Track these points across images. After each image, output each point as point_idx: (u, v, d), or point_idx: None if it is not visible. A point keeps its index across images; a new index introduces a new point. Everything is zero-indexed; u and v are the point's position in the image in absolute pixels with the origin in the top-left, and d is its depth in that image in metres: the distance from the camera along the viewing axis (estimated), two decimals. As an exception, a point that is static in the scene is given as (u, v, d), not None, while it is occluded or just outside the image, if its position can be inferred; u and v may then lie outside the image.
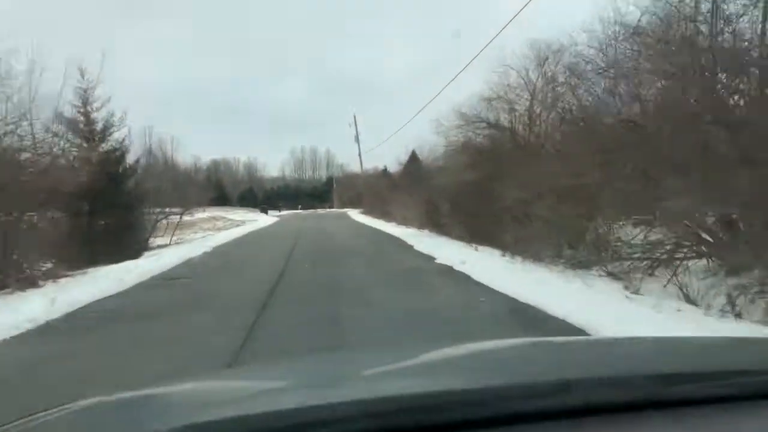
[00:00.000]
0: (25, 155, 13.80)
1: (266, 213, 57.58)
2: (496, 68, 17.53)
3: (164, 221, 27.86)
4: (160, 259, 16.47)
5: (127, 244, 18.45)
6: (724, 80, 9.05)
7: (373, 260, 14.96)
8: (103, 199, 18.36)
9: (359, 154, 62.20)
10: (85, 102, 18.65)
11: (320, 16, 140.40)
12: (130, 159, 20.44)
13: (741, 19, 9.43)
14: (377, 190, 45.80)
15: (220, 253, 18.68)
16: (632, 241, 10.23)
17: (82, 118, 18.62)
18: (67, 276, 12.50)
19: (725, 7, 9.59)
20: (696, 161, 8.32)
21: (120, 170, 19.31)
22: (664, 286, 8.99)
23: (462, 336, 6.34)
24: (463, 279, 11.11)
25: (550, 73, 16.83)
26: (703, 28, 9.91)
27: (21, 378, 5.61)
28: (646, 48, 10.50)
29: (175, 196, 34.10)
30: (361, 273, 12.57)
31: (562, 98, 15.94)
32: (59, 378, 5.36)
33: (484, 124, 17.35)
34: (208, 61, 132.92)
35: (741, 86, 8.91)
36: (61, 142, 16.35)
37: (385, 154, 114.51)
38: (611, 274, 10.01)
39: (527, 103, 16.79)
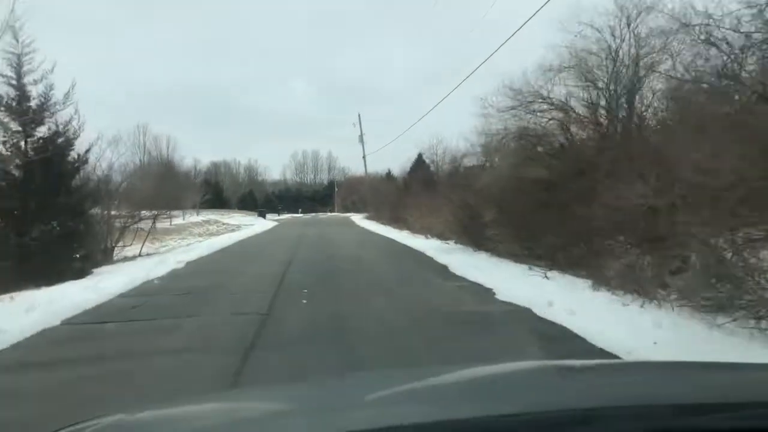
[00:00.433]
0: None
1: (264, 217, 52.51)
2: (566, 30, 12.64)
3: (143, 226, 23.56)
4: (102, 281, 11.67)
5: (66, 258, 13.64)
6: None
7: (400, 293, 10.02)
8: (39, 199, 13.61)
9: (363, 156, 57.56)
10: (19, 72, 13.86)
11: (323, 20, 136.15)
12: (91, 148, 15.66)
13: None
14: (386, 195, 41.12)
15: (189, 273, 13.80)
16: None
17: (13, 93, 13.82)
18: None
19: None
20: None
21: (63, 161, 14.43)
22: None
23: None
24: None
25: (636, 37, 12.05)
26: None
27: None
28: None
29: (156, 197, 29.40)
30: (388, 323, 7.52)
31: (657, 67, 11.23)
32: None
33: (546, 104, 12.55)
34: (210, 63, 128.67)
35: None
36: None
37: (387, 160, 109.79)
38: None
39: (607, 75, 11.97)
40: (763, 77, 7.80)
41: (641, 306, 7.64)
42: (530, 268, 11.71)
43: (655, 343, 5.87)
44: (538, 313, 7.72)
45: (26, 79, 13.94)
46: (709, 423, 1.08)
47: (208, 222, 47.01)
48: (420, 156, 70.59)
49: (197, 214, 50.66)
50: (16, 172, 13.87)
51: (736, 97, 8.83)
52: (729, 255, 6.78)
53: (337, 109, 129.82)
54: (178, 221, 46.45)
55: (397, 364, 5.44)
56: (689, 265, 7.27)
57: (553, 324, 7.10)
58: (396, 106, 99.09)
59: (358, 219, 48.21)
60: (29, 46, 13.76)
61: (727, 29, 8.66)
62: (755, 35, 8.55)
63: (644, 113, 11.07)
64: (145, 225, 23.04)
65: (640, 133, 10.35)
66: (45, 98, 14.02)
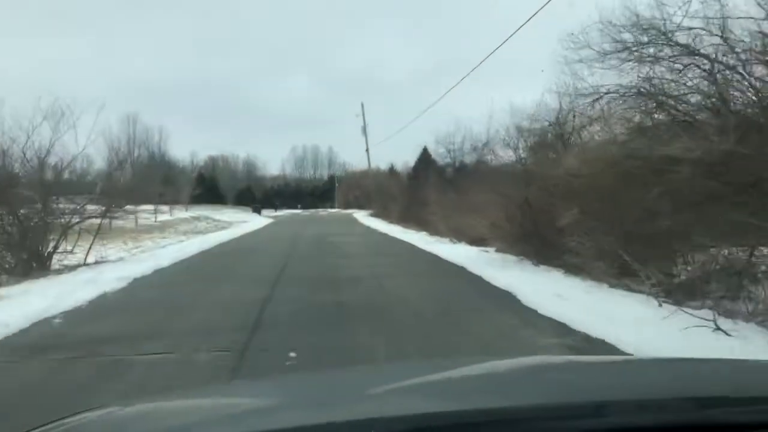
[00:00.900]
0: None
1: (259, 213, 47.47)
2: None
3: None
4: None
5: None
6: None
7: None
8: None
9: (366, 149, 52.62)
10: None
11: (325, 12, 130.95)
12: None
13: None
14: (394, 190, 36.33)
15: (108, 309, 8.67)
16: None
17: None
18: None
19: None
20: None
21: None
22: None
23: None
24: None
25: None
26: None
27: None
28: None
29: (131, 191, 24.52)
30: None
31: None
32: None
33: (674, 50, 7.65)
34: (210, 57, 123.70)
35: None
36: None
37: (389, 155, 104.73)
38: None
39: None
40: None
41: None
42: (660, 304, 6.92)
43: None
44: None
45: None
46: (724, 416, 1.04)
47: (197, 218, 42.18)
48: (425, 150, 66.04)
49: (186, 210, 45.85)
50: None
51: None
52: None
53: (338, 103, 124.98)
54: (164, 218, 41.67)
55: None
56: None
57: None
58: (399, 102, 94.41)
59: (362, 216, 43.30)
60: None
61: None
62: None
63: None
64: (128, 220, 18.38)
65: None
66: None
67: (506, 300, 8.27)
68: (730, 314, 6.13)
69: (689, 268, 7.04)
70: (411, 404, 1.16)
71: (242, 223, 39.92)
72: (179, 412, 1.33)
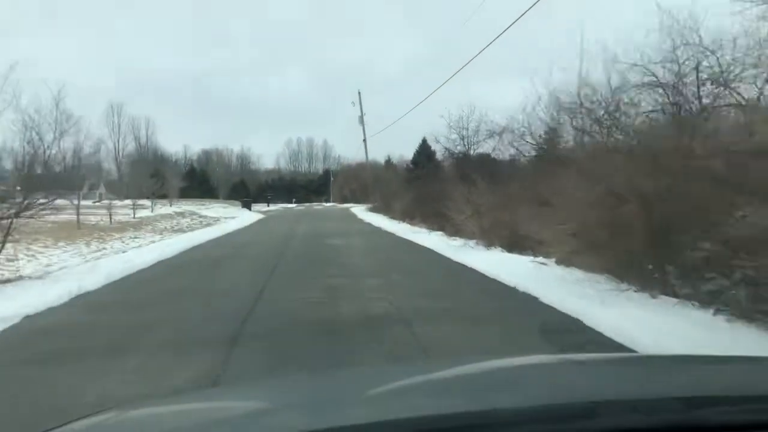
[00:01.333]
0: None
1: (249, 208, 43.09)
2: None
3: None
4: None
5: None
6: None
7: None
8: None
9: (364, 139, 48.31)
10: None
11: (320, 6, 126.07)
12: None
13: None
14: (397, 183, 32.16)
15: None
16: None
17: None
18: None
19: None
20: None
21: None
22: None
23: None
24: None
25: None
26: None
27: None
28: None
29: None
30: None
31: None
32: None
33: None
34: (204, 50, 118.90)
35: None
36: None
37: (383, 150, 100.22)
38: None
39: None
40: None
41: None
42: None
43: None
44: None
45: None
46: (718, 417, 1.03)
47: (181, 214, 37.81)
48: (424, 141, 61.82)
49: (171, 205, 41.51)
50: None
51: None
52: None
53: (334, 97, 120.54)
54: (144, 213, 37.35)
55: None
56: None
57: None
58: (395, 95, 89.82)
59: (361, 211, 38.99)
60: None
61: None
62: None
63: None
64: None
65: None
66: None
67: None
68: None
69: None
70: (405, 407, 1.13)
71: (229, 219, 35.66)
72: (172, 418, 1.27)
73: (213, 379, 4.31)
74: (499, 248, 12.37)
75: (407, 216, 26.51)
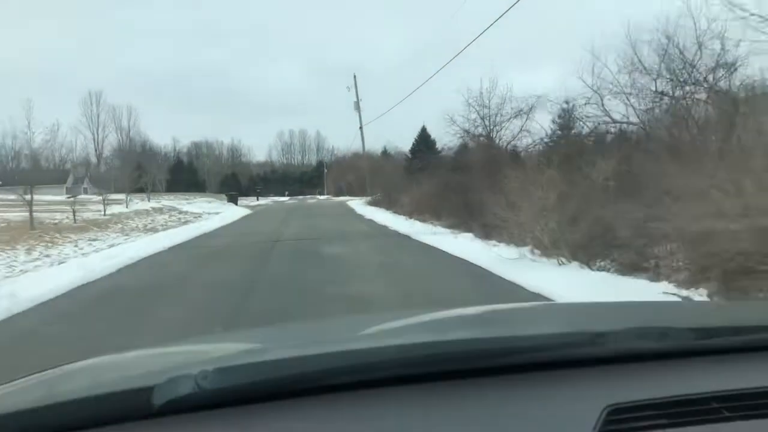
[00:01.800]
0: None
1: (235, 203, 38.35)
2: None
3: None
4: None
5: None
6: None
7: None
8: None
9: (360, 127, 43.71)
10: None
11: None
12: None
13: None
14: (399, 175, 27.75)
15: None
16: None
17: None
18: None
19: None
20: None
21: None
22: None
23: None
24: None
25: None
26: None
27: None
28: None
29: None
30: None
31: None
32: None
33: None
34: (194, 42, 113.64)
35: None
36: None
37: (377, 143, 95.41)
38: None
39: None
40: None
41: None
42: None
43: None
44: None
45: None
46: (723, 343, 1.08)
47: (159, 210, 33.27)
48: (424, 129, 57.37)
49: (149, 200, 36.95)
50: None
51: None
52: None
53: (326, 88, 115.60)
54: (118, 209, 32.83)
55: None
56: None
57: None
58: (388, 87, 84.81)
59: (359, 205, 34.45)
60: None
61: None
62: None
63: None
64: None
65: None
66: None
67: None
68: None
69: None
70: (413, 338, 1.12)
71: (213, 215, 31.19)
72: (160, 357, 1.27)
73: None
74: (587, 264, 8.07)
75: (416, 212, 22.20)
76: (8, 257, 13.55)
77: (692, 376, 0.99)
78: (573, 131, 19.14)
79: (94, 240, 18.81)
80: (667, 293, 6.10)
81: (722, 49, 10.32)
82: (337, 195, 54.50)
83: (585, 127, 12.84)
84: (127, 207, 33.21)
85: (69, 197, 44.70)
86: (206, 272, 9.77)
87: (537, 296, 6.53)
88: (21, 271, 11.24)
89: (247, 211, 33.01)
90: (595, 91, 11.68)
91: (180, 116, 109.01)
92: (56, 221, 26.02)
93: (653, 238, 6.58)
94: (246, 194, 63.82)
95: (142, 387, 0.90)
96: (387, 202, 30.12)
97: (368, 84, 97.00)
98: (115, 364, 1.23)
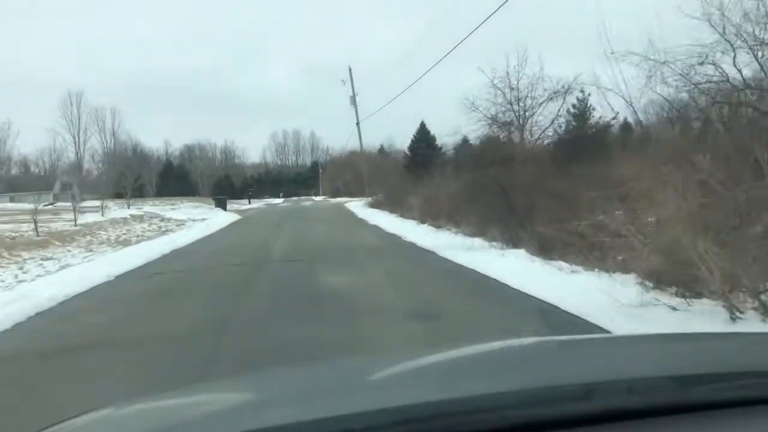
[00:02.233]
0: None
1: (224, 207, 34.45)
2: None
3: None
4: None
5: None
6: None
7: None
8: None
9: (357, 123, 39.86)
10: None
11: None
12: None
13: None
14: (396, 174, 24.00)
15: None
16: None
17: None
18: None
19: None
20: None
21: None
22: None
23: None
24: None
25: None
26: None
27: None
28: None
29: None
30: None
31: None
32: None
33: None
34: (185, 44, 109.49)
35: None
36: None
37: (371, 142, 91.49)
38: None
39: None
40: None
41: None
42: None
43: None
44: None
45: None
46: (712, 394, 1.00)
47: (139, 218, 29.36)
48: (423, 126, 53.62)
49: (128, 207, 33.05)
50: None
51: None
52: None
53: (319, 87, 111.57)
54: (92, 218, 28.98)
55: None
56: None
57: None
58: (383, 87, 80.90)
59: (358, 208, 30.62)
60: None
61: None
62: None
63: None
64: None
65: None
66: None
67: None
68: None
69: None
70: (394, 395, 1.07)
71: (198, 222, 27.41)
72: (164, 412, 1.21)
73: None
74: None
75: (429, 216, 18.52)
76: None
77: None
78: (589, 121, 15.75)
79: (48, 259, 14.99)
80: None
81: None
82: (334, 196, 50.63)
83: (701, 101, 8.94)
84: (102, 215, 29.34)
85: (47, 204, 41.02)
86: (139, 332, 6.01)
87: None
88: None
89: (235, 217, 29.16)
90: (726, 39, 7.84)
91: (172, 119, 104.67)
92: (16, 234, 22.20)
93: None
94: (240, 196, 59.95)
95: None
96: (390, 203, 26.40)
97: (361, 84, 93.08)
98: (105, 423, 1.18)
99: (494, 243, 10.79)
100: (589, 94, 14.51)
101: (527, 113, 15.43)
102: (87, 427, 1.14)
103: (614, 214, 6.52)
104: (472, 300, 6.85)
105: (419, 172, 29.59)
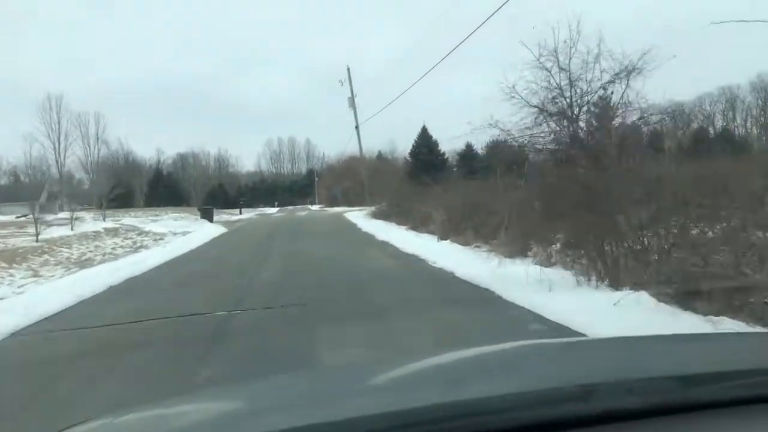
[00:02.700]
0: None
1: (210, 219, 30.32)
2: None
3: None
4: None
5: None
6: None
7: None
8: None
9: (356, 126, 36.00)
10: None
11: (297, 4, 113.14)
12: None
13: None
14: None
15: None
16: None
17: None
18: None
19: None
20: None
21: None
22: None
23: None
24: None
25: None
26: None
27: None
28: None
29: None
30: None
31: None
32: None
33: None
34: (177, 51, 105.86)
35: None
36: None
37: (368, 147, 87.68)
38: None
39: None
40: None
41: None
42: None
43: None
44: None
45: None
46: (712, 393, 0.97)
47: (114, 231, 25.43)
48: (425, 129, 49.92)
49: (104, 219, 29.04)
50: None
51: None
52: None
53: (314, 95, 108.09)
54: (59, 232, 25.10)
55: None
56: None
57: None
58: (379, 94, 77.44)
59: (360, 219, 26.77)
60: None
61: None
62: None
63: None
64: None
65: None
66: None
67: None
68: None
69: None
70: (398, 399, 1.03)
71: (178, 236, 23.57)
72: (162, 420, 1.16)
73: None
74: None
75: (452, 230, 14.78)
76: None
77: None
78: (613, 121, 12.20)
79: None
80: None
81: None
82: (331, 205, 46.72)
83: None
84: (72, 229, 25.40)
85: (19, 216, 37.19)
86: None
87: None
88: None
89: (220, 230, 25.23)
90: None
91: (165, 127, 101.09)
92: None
93: None
94: (234, 205, 56.12)
95: None
96: (397, 214, 22.66)
97: (358, 91, 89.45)
98: None
99: (573, 273, 7.02)
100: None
101: (584, 98, 11.70)
102: None
103: None
104: None
105: (422, 179, 25.93)
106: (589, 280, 6.79)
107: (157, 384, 4.22)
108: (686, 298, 5.60)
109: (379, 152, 57.41)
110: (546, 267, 8.17)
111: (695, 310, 5.40)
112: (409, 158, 48.47)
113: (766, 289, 5.33)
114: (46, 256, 17.51)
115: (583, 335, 4.93)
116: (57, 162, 52.95)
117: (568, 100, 11.88)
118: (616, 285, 6.49)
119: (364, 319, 6.07)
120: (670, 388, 0.98)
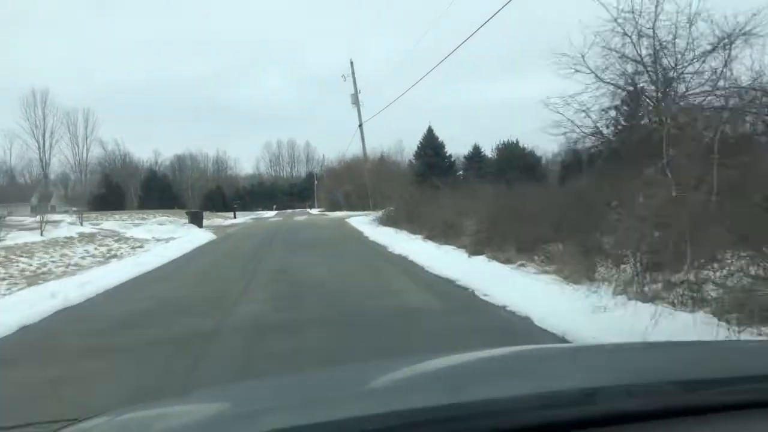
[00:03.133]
0: None
1: (200, 224, 26.89)
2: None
3: None
4: None
5: None
6: None
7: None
8: None
9: (360, 125, 32.77)
10: None
11: (296, 6, 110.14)
12: None
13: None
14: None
15: None
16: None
17: None
18: None
19: None
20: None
21: None
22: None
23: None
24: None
25: None
26: None
27: None
28: None
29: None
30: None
31: None
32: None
33: None
34: (176, 52, 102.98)
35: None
36: None
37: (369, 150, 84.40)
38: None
39: None
40: None
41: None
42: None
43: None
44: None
45: None
46: (714, 398, 0.95)
47: (91, 237, 22.09)
48: (430, 130, 46.69)
49: (81, 223, 25.65)
50: None
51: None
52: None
53: (314, 97, 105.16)
54: (25, 238, 21.83)
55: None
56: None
57: None
58: (379, 97, 74.35)
59: (365, 225, 23.41)
60: None
61: None
62: None
63: None
64: None
65: None
66: None
67: None
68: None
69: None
70: (399, 400, 1.01)
71: (161, 243, 20.33)
72: (162, 420, 1.12)
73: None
74: None
75: (485, 243, 11.61)
76: None
77: None
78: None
79: None
80: None
81: None
82: (332, 209, 43.45)
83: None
84: (42, 234, 22.05)
85: (-3, 219, 33.86)
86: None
87: None
88: None
89: (208, 237, 21.91)
90: None
91: (163, 129, 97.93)
92: None
93: None
94: (232, 208, 53.08)
95: None
96: (407, 221, 19.43)
97: (359, 90, 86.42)
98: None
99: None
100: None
101: (676, 72, 8.45)
102: None
103: None
104: None
105: (431, 182, 22.81)
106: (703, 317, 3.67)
107: None
108: None
109: (382, 154, 54.22)
110: (664, 305, 4.99)
111: None
112: (413, 160, 45.31)
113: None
114: (-11, 271, 14.15)
115: None
116: (41, 161, 49.56)
117: (653, 74, 8.63)
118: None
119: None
120: (670, 392, 0.96)
